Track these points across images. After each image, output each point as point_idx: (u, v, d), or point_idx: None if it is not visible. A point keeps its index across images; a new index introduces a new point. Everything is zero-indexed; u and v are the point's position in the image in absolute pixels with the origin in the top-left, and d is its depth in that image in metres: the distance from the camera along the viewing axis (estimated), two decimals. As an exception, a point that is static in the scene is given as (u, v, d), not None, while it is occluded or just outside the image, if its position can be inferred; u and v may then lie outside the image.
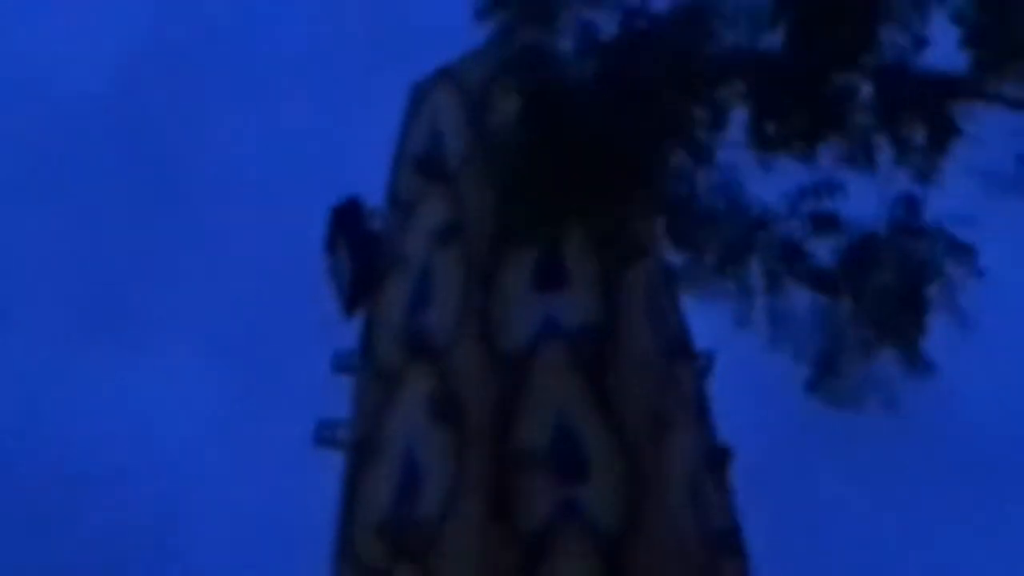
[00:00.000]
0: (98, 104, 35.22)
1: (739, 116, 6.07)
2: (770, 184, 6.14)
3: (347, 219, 8.62)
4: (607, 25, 5.86)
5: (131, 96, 36.33)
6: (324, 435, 9.71)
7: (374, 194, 9.29)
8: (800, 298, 6.11)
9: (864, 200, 6.13)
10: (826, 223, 6.02)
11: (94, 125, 35.95)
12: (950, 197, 6.20)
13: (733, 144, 6.02)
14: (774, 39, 6.01)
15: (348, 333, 10.38)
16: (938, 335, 6.07)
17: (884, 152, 6.11)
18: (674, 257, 6.93)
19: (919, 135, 6.04)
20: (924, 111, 6.05)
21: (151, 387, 28.84)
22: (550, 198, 5.79)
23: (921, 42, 6.03)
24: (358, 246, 8.65)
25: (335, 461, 9.87)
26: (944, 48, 6.17)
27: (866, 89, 6.05)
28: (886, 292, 6.02)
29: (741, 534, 9.66)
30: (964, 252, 6.03)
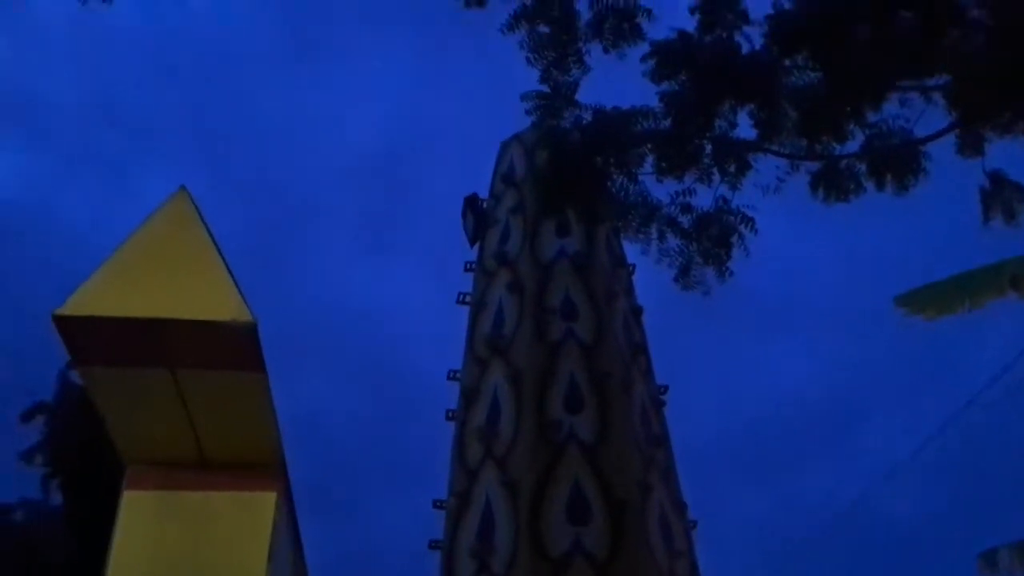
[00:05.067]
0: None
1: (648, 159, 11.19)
2: (663, 189, 11.14)
3: (471, 201, 14.56)
4: (586, 116, 11.14)
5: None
6: None
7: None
8: (673, 241, 11.17)
9: (704, 198, 11.13)
10: (686, 207, 11.10)
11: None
12: (746, 196, 11.15)
13: (645, 172, 11.14)
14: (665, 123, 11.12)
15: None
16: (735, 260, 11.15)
17: (716, 176, 11.15)
18: (616, 225, 12.38)
19: (731, 170, 11.10)
20: (737, 161, 11.07)
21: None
22: (560, 196, 11.36)
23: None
24: (476, 214, 14.51)
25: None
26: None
27: (707, 147, 11.12)
28: (712, 238, 11.08)
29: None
30: (749, 220, 10.98)
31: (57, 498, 18.83)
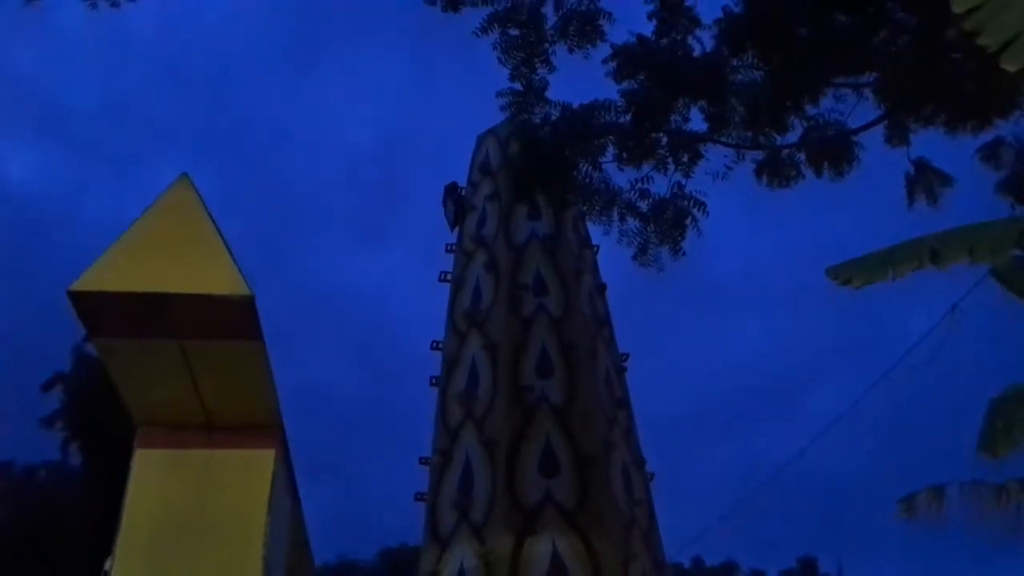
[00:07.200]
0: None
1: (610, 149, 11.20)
2: (623, 177, 11.16)
3: (451, 189, 14.46)
4: (554, 112, 11.12)
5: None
6: None
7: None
8: (633, 223, 11.22)
9: (660, 185, 11.17)
10: (644, 193, 11.14)
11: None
12: (700, 184, 11.17)
13: (607, 161, 11.14)
14: (626, 118, 11.12)
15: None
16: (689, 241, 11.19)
17: (671, 164, 11.18)
18: (582, 209, 12.38)
19: (685, 159, 11.11)
20: (690, 151, 11.09)
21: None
22: (531, 183, 11.33)
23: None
24: (456, 201, 14.43)
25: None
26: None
27: (663, 139, 11.13)
28: (667, 221, 11.13)
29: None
30: (701, 204, 11.05)
31: (75, 459, 18.75)
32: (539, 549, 11.62)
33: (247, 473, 4.05)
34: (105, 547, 3.91)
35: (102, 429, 16.09)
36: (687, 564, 29.95)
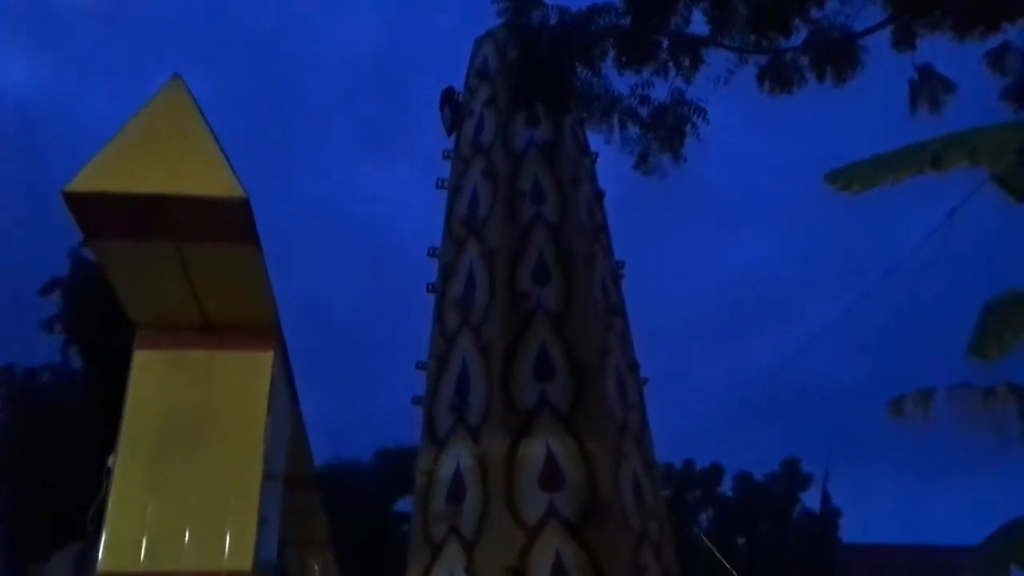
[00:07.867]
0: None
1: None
2: (623, 82, 11.01)
3: (448, 94, 14.20)
4: (552, 15, 10.86)
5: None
6: None
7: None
8: (633, 130, 11.11)
9: (661, 91, 11.02)
10: (644, 99, 11.00)
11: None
12: (700, 90, 11.02)
13: (607, 67, 10.96)
14: (625, 21, 10.86)
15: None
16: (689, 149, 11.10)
17: (672, 69, 10.99)
18: (581, 116, 12.20)
19: (686, 64, 10.91)
20: (691, 55, 10.88)
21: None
22: (529, 89, 11.12)
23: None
24: (453, 107, 14.19)
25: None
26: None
27: (664, 43, 10.92)
28: (668, 127, 11.02)
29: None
30: (701, 110, 10.93)
31: (76, 362, 18.96)
32: (534, 450, 11.87)
33: (246, 374, 4.08)
34: (108, 445, 3.97)
35: (101, 332, 16.22)
36: (678, 466, 30.68)
